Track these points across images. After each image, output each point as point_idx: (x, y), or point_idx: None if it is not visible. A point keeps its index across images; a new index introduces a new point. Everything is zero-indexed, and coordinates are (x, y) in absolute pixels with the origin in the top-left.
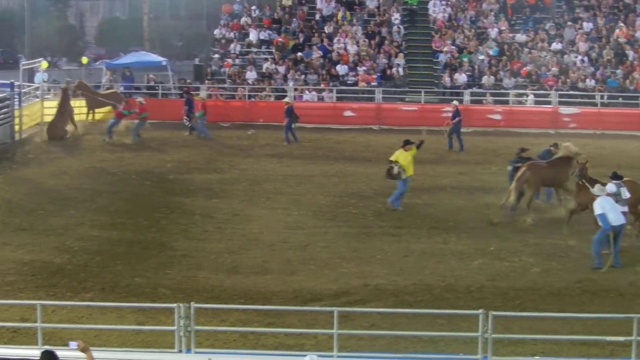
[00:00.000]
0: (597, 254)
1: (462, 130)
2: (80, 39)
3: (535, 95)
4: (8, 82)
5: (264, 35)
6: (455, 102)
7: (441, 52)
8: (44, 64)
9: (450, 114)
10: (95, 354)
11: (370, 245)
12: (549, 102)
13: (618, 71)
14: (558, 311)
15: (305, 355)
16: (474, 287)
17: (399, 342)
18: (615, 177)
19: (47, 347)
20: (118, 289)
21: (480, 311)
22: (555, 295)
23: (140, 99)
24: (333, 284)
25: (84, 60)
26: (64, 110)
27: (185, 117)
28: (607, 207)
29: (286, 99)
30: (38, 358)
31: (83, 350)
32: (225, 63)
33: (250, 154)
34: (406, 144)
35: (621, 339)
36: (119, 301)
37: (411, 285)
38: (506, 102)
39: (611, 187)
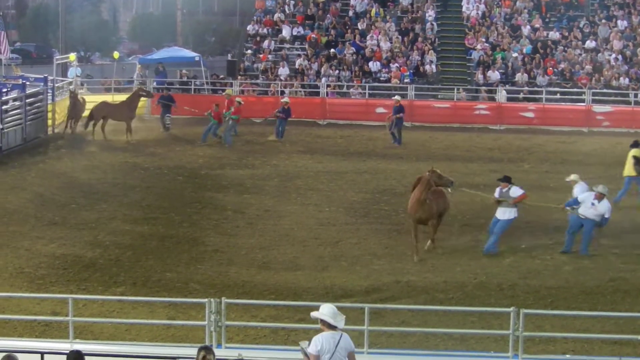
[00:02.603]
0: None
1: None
2: (114, 34)
3: (569, 94)
4: (42, 76)
5: (297, 31)
6: (397, 97)
7: (474, 49)
8: (72, 57)
9: (393, 110)
10: (125, 349)
11: (402, 242)
12: (582, 101)
13: None
14: (590, 310)
15: None
16: (506, 285)
17: (430, 339)
18: None
19: (77, 342)
20: (149, 284)
21: (511, 309)
22: (587, 293)
23: (239, 99)
24: (364, 280)
25: (116, 55)
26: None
27: (167, 115)
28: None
29: (285, 99)
30: (67, 354)
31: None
32: (262, 56)
33: (282, 150)
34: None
35: None
36: (150, 296)
37: (442, 283)
38: (540, 100)
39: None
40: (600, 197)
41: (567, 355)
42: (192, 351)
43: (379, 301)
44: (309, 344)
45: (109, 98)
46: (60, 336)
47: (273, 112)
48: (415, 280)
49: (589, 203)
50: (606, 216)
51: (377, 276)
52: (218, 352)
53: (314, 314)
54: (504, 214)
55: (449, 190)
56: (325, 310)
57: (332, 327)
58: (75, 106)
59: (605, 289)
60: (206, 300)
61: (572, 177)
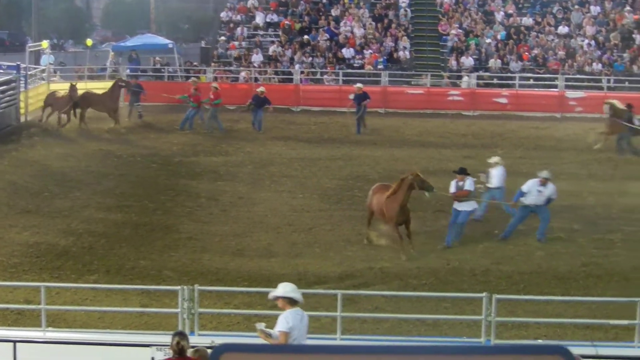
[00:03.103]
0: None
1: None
2: (87, 21)
3: (542, 79)
4: (14, 64)
5: (270, 18)
6: (359, 85)
7: (448, 35)
8: (44, 44)
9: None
10: (99, 336)
11: (375, 228)
12: (555, 86)
13: (625, 55)
14: (562, 295)
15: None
16: (479, 271)
17: (403, 325)
18: None
19: (50, 330)
20: (123, 272)
21: (484, 294)
22: (560, 278)
23: (214, 84)
24: (337, 266)
25: (89, 42)
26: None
27: (137, 104)
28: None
29: (260, 88)
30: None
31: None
32: (231, 45)
33: (255, 137)
34: None
35: (625, 322)
36: (124, 283)
37: (415, 269)
38: (513, 86)
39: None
40: (545, 182)
41: (540, 340)
42: (166, 338)
43: (353, 287)
44: (265, 325)
45: (81, 85)
46: (33, 324)
47: (247, 102)
48: (388, 266)
49: (535, 191)
50: (553, 197)
51: (350, 262)
52: (191, 339)
53: (274, 293)
54: (463, 205)
55: (426, 194)
56: (288, 288)
57: (293, 304)
58: (72, 99)
59: (577, 274)
60: (179, 287)
61: (495, 159)
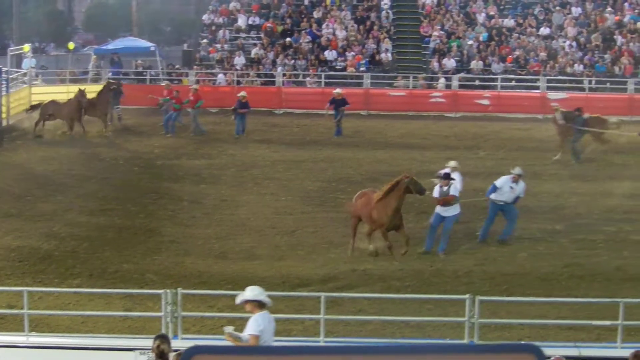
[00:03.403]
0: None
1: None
2: (69, 24)
3: (524, 81)
4: None
5: (252, 20)
6: (337, 90)
7: (430, 37)
8: (26, 47)
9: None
10: (82, 341)
11: (358, 230)
12: (537, 88)
13: (606, 56)
14: (545, 296)
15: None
16: (462, 272)
17: (387, 327)
18: None
19: (33, 334)
20: (106, 275)
21: (467, 296)
22: (543, 279)
23: (194, 85)
24: (321, 269)
25: (71, 45)
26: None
27: (116, 107)
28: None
29: (242, 92)
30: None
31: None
32: (211, 49)
33: (238, 140)
34: None
35: (607, 323)
36: (107, 287)
37: (399, 271)
38: (494, 88)
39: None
40: (517, 178)
41: (523, 342)
42: (149, 342)
43: (336, 290)
44: (234, 328)
45: (63, 89)
46: (15, 329)
47: (232, 109)
48: (371, 268)
49: (508, 187)
50: (521, 195)
51: (333, 265)
52: (174, 343)
53: (242, 297)
54: (448, 211)
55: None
56: (257, 291)
57: (261, 307)
58: (82, 104)
59: (560, 275)
60: (162, 291)
61: (452, 163)
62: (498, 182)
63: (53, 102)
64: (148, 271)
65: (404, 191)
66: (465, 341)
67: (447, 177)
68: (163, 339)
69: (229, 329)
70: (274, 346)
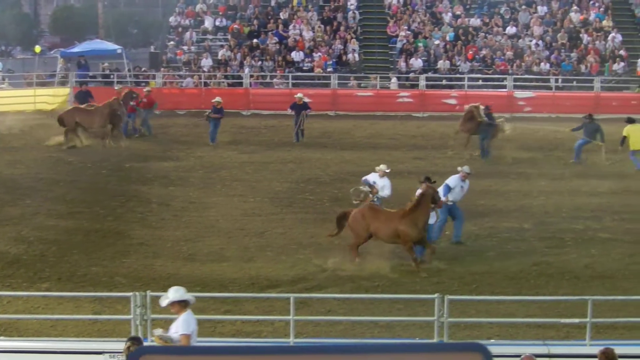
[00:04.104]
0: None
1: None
2: (35, 27)
3: (491, 80)
4: None
5: (219, 22)
6: (299, 95)
7: (396, 37)
8: None
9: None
10: (51, 345)
11: (327, 231)
12: (504, 86)
13: (572, 54)
14: (514, 294)
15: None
16: (431, 272)
17: (356, 327)
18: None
19: (2, 339)
20: (75, 279)
21: (436, 295)
22: (512, 278)
23: (147, 88)
24: (290, 270)
25: (37, 48)
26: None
27: None
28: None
29: (217, 98)
30: None
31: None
32: (178, 52)
33: (206, 142)
34: None
35: (576, 320)
36: (76, 291)
37: (368, 271)
38: (462, 87)
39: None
40: (466, 177)
41: (492, 340)
42: (119, 345)
43: (305, 290)
44: (163, 330)
45: (30, 93)
46: None
47: (206, 114)
48: (341, 268)
49: (459, 187)
50: (466, 194)
51: (303, 265)
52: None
53: (168, 299)
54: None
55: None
56: (181, 291)
57: (186, 306)
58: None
59: (529, 274)
60: (131, 294)
61: (381, 167)
62: (451, 182)
63: (75, 109)
64: (117, 274)
65: (431, 202)
66: (434, 341)
67: (427, 180)
68: (135, 340)
69: (158, 331)
70: (218, 346)
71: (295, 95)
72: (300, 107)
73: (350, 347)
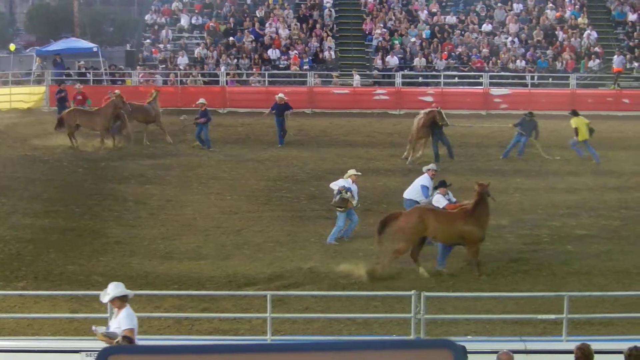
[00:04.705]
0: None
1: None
2: (10, 25)
3: (467, 77)
4: None
5: (195, 20)
6: (280, 95)
7: (372, 34)
8: None
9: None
10: (28, 344)
11: (304, 229)
12: (480, 84)
13: (548, 52)
14: (491, 291)
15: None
16: (408, 268)
17: (333, 324)
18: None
19: None
20: (51, 277)
21: (412, 292)
22: (488, 275)
23: (78, 85)
24: (267, 267)
25: (12, 47)
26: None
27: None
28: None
29: (201, 100)
30: None
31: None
32: (154, 50)
33: (182, 139)
34: None
35: (552, 317)
36: (53, 289)
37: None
38: (438, 84)
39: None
40: (434, 174)
41: (469, 337)
42: (96, 344)
43: (282, 288)
44: (105, 328)
45: (6, 91)
46: None
47: (193, 119)
48: (318, 266)
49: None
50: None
51: (280, 263)
52: None
53: (109, 295)
54: None
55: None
56: (120, 286)
57: (125, 301)
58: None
59: (505, 270)
60: None
61: (350, 172)
62: (425, 182)
63: (76, 110)
64: (94, 272)
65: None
66: (411, 338)
67: (443, 185)
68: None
69: (100, 329)
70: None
71: (276, 96)
72: (281, 108)
73: (322, 345)
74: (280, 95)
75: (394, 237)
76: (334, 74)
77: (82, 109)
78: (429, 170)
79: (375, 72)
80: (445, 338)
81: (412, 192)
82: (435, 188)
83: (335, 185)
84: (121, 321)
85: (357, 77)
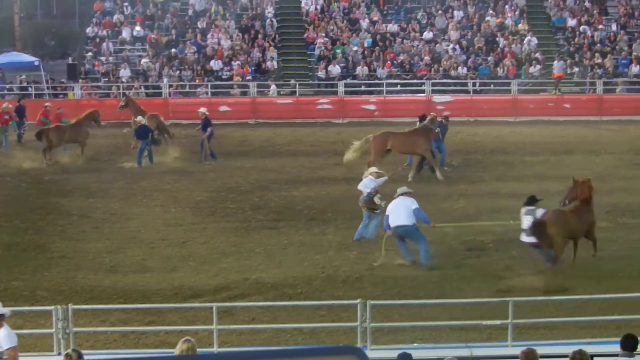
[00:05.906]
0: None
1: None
2: None
3: (409, 85)
4: None
5: (137, 32)
6: (202, 110)
7: (314, 44)
8: None
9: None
10: None
11: (249, 239)
12: (422, 91)
13: (489, 58)
14: (437, 298)
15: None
16: (353, 277)
17: (280, 335)
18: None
19: None
20: None
21: (358, 301)
22: (434, 282)
23: (6, 104)
24: (213, 279)
25: None
26: None
27: (24, 128)
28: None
29: (202, 109)
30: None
31: None
32: (96, 63)
33: (126, 152)
34: None
35: (498, 322)
36: None
37: (291, 278)
38: (380, 93)
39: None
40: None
41: (415, 344)
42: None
43: (228, 299)
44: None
45: None
46: None
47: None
48: (263, 276)
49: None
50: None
51: (225, 274)
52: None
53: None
54: None
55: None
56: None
57: (2, 320)
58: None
59: (451, 277)
60: (53, 307)
61: (371, 169)
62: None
63: (58, 127)
64: (39, 288)
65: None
66: (358, 345)
67: (533, 199)
68: (74, 352)
69: None
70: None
71: (198, 110)
72: (204, 123)
73: (231, 354)
74: (202, 109)
75: None
76: (272, 84)
77: (65, 125)
78: (405, 193)
79: (317, 82)
80: (349, 344)
81: (403, 217)
82: (527, 204)
83: (365, 188)
84: (2, 340)
85: (273, 87)
